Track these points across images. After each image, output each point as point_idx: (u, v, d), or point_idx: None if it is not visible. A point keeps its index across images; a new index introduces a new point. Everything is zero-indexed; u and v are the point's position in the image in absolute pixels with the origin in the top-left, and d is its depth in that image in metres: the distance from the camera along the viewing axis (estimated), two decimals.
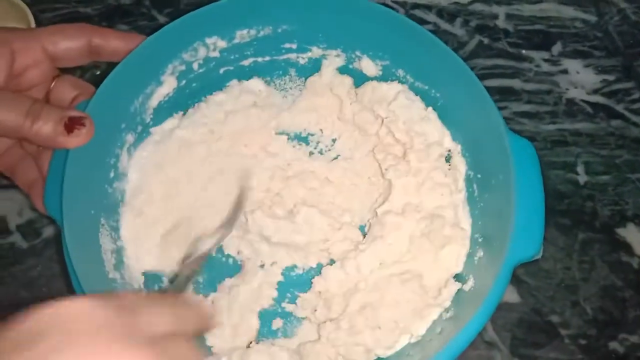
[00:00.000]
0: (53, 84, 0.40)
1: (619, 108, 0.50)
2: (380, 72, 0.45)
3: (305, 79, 0.47)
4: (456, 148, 0.42)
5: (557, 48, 0.53)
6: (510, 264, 0.34)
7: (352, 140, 0.46)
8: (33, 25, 0.48)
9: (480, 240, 0.39)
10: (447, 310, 0.38)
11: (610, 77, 0.52)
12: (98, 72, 0.52)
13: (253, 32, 0.44)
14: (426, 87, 0.43)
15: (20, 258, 0.46)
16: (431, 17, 0.55)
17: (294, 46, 0.46)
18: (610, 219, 0.46)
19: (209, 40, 0.44)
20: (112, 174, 0.41)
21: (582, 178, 0.48)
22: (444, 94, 0.42)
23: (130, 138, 0.42)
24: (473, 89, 0.39)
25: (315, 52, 0.46)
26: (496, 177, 0.38)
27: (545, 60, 0.52)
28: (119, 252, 0.40)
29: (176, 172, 0.44)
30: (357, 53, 0.45)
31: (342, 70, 0.46)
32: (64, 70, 0.41)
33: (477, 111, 0.39)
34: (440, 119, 0.43)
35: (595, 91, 0.51)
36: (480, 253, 0.38)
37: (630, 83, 0.51)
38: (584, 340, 0.42)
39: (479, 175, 0.40)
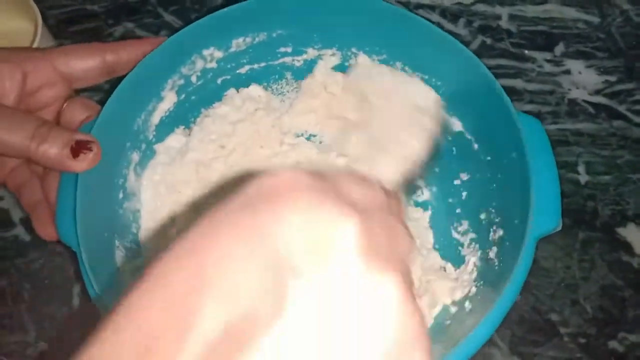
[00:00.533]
0: (65, 105, 0.40)
1: (621, 109, 0.51)
2: None
3: (302, 82, 0.47)
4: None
5: (559, 49, 0.53)
6: (534, 238, 0.34)
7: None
8: (40, 22, 0.49)
9: (497, 220, 0.39)
10: (476, 286, 0.38)
11: (612, 78, 0.52)
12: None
13: (249, 39, 0.44)
14: (426, 77, 0.43)
15: (23, 250, 0.46)
16: (434, 17, 0.55)
17: (289, 49, 0.46)
18: (610, 219, 0.46)
19: (206, 52, 0.44)
20: (121, 195, 0.41)
21: (583, 178, 0.48)
22: (446, 81, 0.42)
23: (135, 157, 0.42)
24: (475, 71, 0.39)
25: (311, 53, 0.46)
26: (508, 156, 0.38)
27: (548, 61, 0.53)
28: (134, 273, 0.40)
29: (194, 191, 0.44)
30: (353, 50, 0.45)
31: (339, 68, 0.46)
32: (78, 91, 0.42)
33: (482, 93, 0.39)
34: (442, 106, 0.43)
35: (597, 92, 0.51)
36: (500, 232, 0.38)
37: (632, 84, 0.51)
38: (584, 339, 0.42)
39: (489, 158, 0.40)
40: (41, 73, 0.38)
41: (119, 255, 0.39)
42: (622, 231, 0.46)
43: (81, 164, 0.36)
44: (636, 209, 0.46)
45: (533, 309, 0.43)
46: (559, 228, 0.35)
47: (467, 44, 0.53)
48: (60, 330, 0.44)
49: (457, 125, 0.43)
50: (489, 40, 0.54)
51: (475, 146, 0.41)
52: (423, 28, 0.41)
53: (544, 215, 0.35)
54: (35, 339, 0.43)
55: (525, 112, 0.50)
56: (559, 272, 0.45)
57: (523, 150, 0.36)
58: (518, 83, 0.52)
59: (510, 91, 0.51)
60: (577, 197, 0.47)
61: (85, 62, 0.39)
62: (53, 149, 0.35)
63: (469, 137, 0.42)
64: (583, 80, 0.52)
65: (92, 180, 0.37)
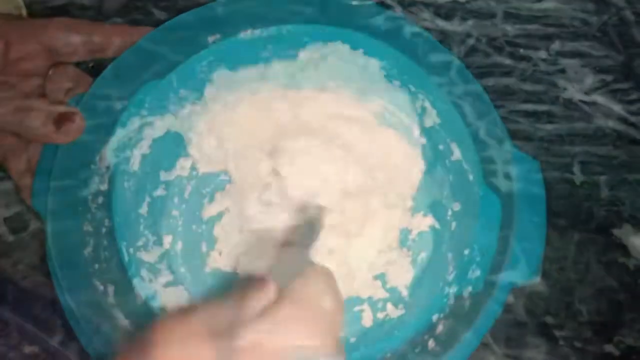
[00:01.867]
0: (51, 72, 0.40)
1: (617, 108, 0.50)
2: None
3: None
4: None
5: (555, 47, 0.53)
6: (505, 287, 0.34)
7: None
8: (25, 15, 0.48)
9: (477, 259, 0.38)
10: (443, 324, 0.38)
11: (608, 78, 0.51)
12: (92, 65, 0.51)
13: (257, 32, 0.44)
14: (431, 98, 0.43)
15: (7, 251, 0.46)
16: (427, 14, 0.54)
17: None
18: (606, 220, 0.46)
19: (210, 39, 0.43)
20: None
21: (579, 178, 0.48)
22: (444, 108, 0.42)
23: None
24: (482, 105, 0.40)
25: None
26: (498, 194, 0.38)
27: (543, 60, 0.52)
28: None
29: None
30: None
31: None
32: None
33: (484, 128, 0.40)
34: (445, 132, 0.43)
35: (593, 91, 0.51)
36: (477, 272, 0.38)
37: (628, 83, 0.51)
38: (579, 342, 0.42)
39: (482, 193, 0.40)
40: (24, 44, 0.38)
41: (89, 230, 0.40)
42: (617, 232, 0.46)
43: (64, 136, 0.37)
44: (632, 210, 0.46)
45: (528, 312, 0.43)
46: (537, 280, 0.35)
47: (460, 42, 0.53)
48: None
49: (456, 152, 0.42)
50: (483, 39, 0.53)
51: (471, 177, 0.41)
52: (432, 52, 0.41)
53: (521, 265, 0.35)
54: (18, 341, 0.43)
55: (520, 111, 0.50)
56: (553, 274, 0.44)
57: (511, 193, 0.35)
58: (512, 82, 0.51)
59: (505, 90, 0.51)
60: (572, 198, 0.47)
61: (70, 37, 0.39)
62: (36, 122, 0.36)
63: (466, 166, 0.42)
64: (578, 79, 0.51)
65: (72, 153, 0.38)
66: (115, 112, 0.41)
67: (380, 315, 0.43)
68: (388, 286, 0.44)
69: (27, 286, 0.44)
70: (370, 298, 0.44)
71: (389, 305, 0.43)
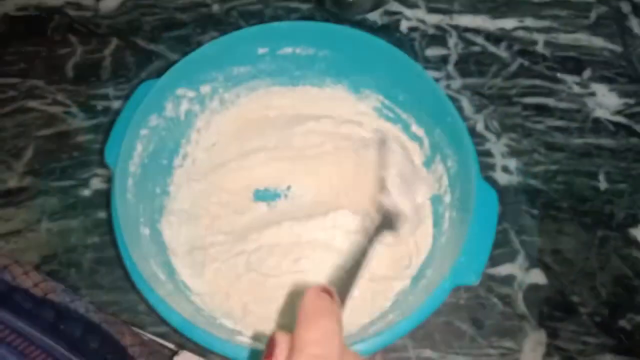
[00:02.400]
0: None
1: (637, 128, 0.58)
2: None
3: None
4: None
5: (587, 73, 0.61)
6: (447, 286, 0.36)
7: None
8: None
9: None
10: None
11: (631, 101, 0.59)
12: None
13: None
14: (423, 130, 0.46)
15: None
16: (479, 40, 0.62)
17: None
18: (624, 220, 0.53)
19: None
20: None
21: (603, 185, 0.55)
22: (432, 136, 0.45)
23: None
24: (458, 135, 0.41)
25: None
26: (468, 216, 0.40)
27: (577, 84, 0.60)
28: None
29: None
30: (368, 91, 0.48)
31: None
32: None
33: (460, 158, 0.42)
34: (441, 127, 0.45)
35: (618, 112, 0.59)
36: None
37: None
38: (599, 317, 0.49)
39: (454, 213, 0.44)
40: None
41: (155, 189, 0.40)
42: (633, 231, 0.53)
43: None
44: None
45: (558, 292, 0.50)
46: (476, 284, 0.39)
47: (507, 65, 0.61)
48: None
49: (453, 146, 0.44)
50: (526, 63, 0.61)
51: (468, 170, 0.42)
52: (428, 84, 0.42)
53: (469, 269, 0.38)
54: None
55: (556, 127, 0.58)
56: (579, 262, 0.51)
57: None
58: (550, 101, 0.59)
59: (544, 108, 0.59)
60: (597, 202, 0.54)
61: None
62: None
63: (464, 160, 0.42)
64: (606, 101, 0.59)
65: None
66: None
67: (378, 321, 0.42)
68: (386, 294, 0.44)
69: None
70: (367, 306, 0.44)
71: (387, 311, 0.43)
